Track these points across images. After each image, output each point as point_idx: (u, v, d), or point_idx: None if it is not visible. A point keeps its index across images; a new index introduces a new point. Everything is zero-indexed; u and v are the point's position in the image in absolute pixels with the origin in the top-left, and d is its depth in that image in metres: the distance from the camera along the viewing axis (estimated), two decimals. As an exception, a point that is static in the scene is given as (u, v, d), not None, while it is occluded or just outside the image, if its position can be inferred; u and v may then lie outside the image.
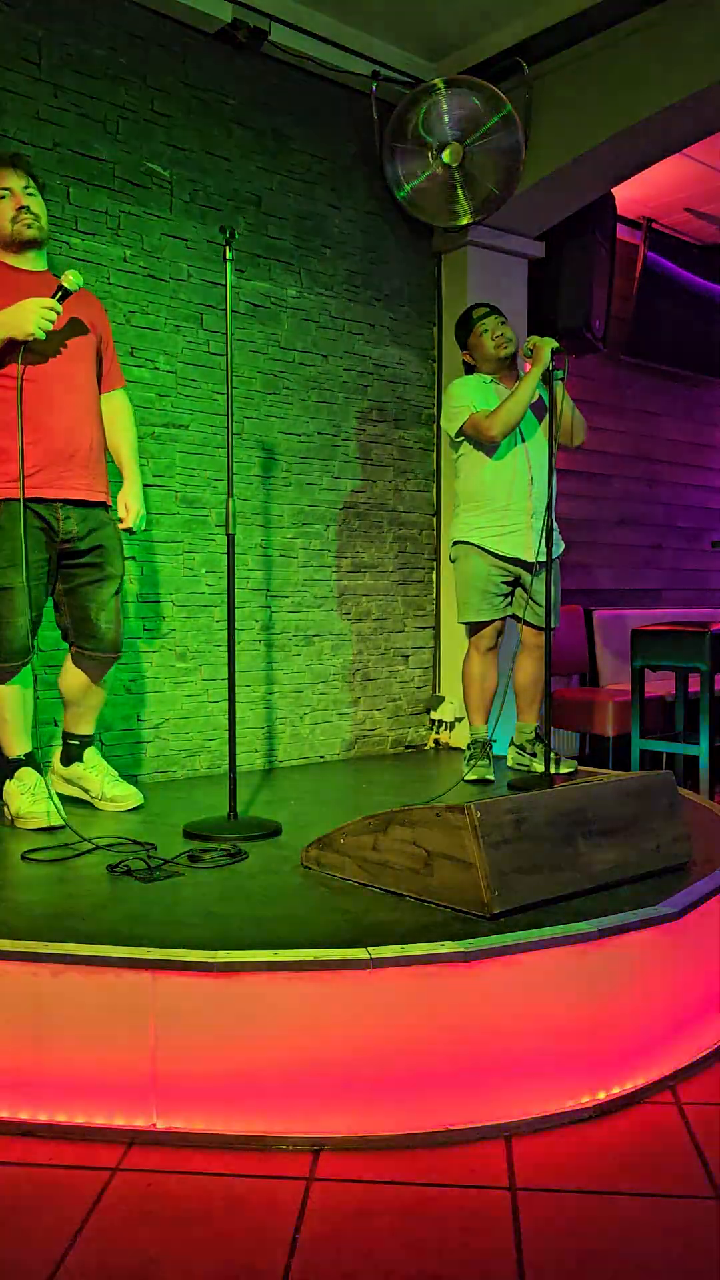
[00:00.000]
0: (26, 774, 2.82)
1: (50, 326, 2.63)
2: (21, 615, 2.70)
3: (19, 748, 2.84)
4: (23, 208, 2.73)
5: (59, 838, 2.63)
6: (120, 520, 2.93)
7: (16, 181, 2.75)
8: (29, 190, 2.77)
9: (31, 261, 2.80)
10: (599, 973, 1.87)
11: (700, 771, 3.92)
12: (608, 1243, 1.46)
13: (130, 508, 2.94)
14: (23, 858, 2.48)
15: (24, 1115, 1.77)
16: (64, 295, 2.67)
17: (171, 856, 2.45)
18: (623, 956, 1.90)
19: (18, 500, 2.65)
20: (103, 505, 2.89)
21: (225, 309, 2.77)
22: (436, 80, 3.83)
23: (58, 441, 2.73)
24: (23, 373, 2.64)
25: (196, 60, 3.61)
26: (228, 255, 2.76)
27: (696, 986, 2.06)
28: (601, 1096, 1.84)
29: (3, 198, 2.73)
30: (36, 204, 2.78)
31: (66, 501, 2.77)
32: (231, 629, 2.82)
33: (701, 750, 3.92)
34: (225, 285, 2.77)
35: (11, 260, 2.78)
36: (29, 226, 2.74)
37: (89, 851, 2.51)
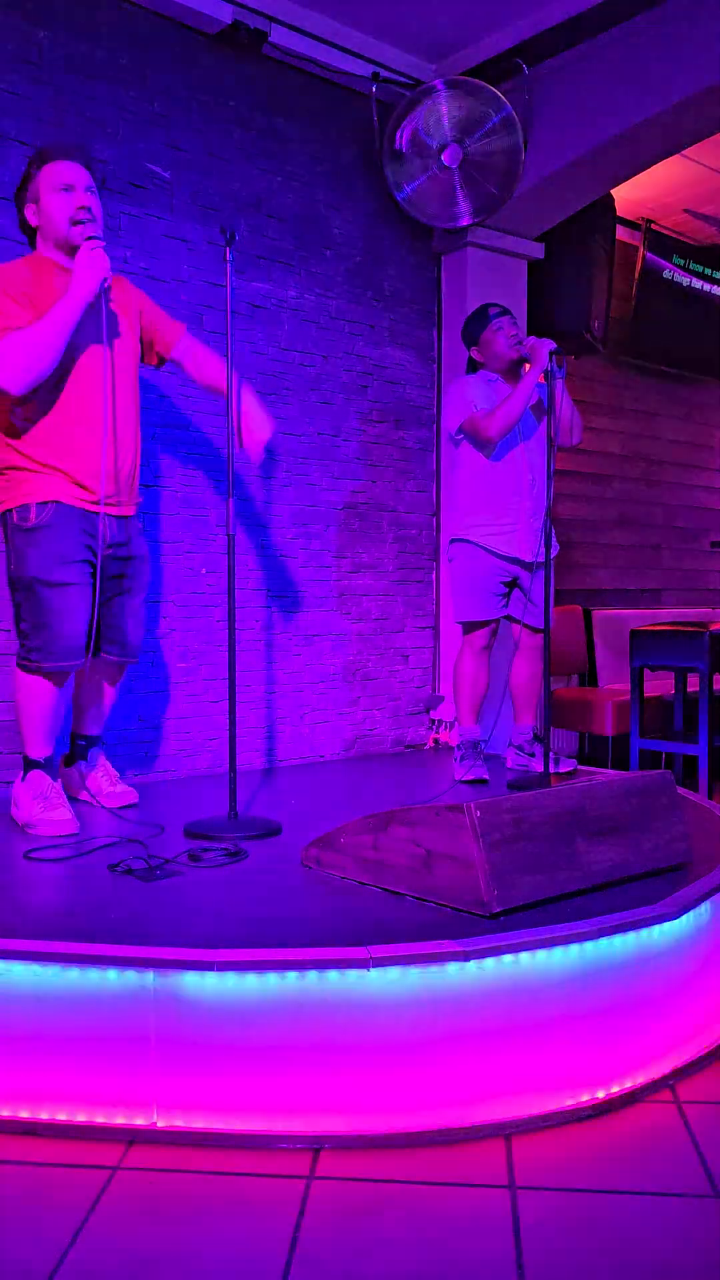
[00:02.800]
0: (39, 779, 2.77)
1: (108, 262, 2.60)
2: (73, 614, 2.68)
3: (41, 749, 2.78)
4: (82, 206, 2.63)
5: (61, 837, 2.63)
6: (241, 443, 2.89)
7: (78, 177, 2.65)
8: (89, 189, 2.68)
9: None
10: (598, 972, 1.87)
11: (700, 771, 3.92)
12: (608, 1242, 1.47)
13: (248, 426, 2.88)
14: (25, 857, 2.48)
15: (24, 1114, 1.77)
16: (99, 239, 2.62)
17: (172, 856, 2.45)
18: (622, 956, 1.90)
19: (71, 506, 2.68)
20: (136, 517, 2.92)
21: (225, 309, 2.77)
22: (436, 81, 3.84)
23: (113, 457, 2.73)
24: (112, 359, 2.65)
25: (196, 61, 3.61)
26: (228, 256, 2.76)
27: (696, 986, 2.06)
28: (601, 1096, 1.84)
29: (64, 192, 2.64)
30: (94, 204, 2.67)
31: (114, 516, 2.79)
32: (231, 629, 2.83)
33: (701, 750, 3.92)
34: (226, 286, 2.77)
35: (64, 263, 2.70)
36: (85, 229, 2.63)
37: (91, 852, 2.51)
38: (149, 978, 1.75)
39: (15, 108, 3.20)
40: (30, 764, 2.79)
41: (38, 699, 2.73)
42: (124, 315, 2.81)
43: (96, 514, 2.72)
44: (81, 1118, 1.76)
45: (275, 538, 3.90)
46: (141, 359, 2.93)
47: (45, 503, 2.66)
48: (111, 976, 1.76)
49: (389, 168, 4.00)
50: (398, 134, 3.92)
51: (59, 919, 2.02)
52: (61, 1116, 1.76)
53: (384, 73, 3.96)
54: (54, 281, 2.65)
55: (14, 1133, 1.75)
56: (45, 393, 2.65)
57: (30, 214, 2.72)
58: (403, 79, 4.02)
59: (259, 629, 3.86)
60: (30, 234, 2.76)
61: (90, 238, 2.60)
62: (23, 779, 2.81)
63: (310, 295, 3.97)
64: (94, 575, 2.76)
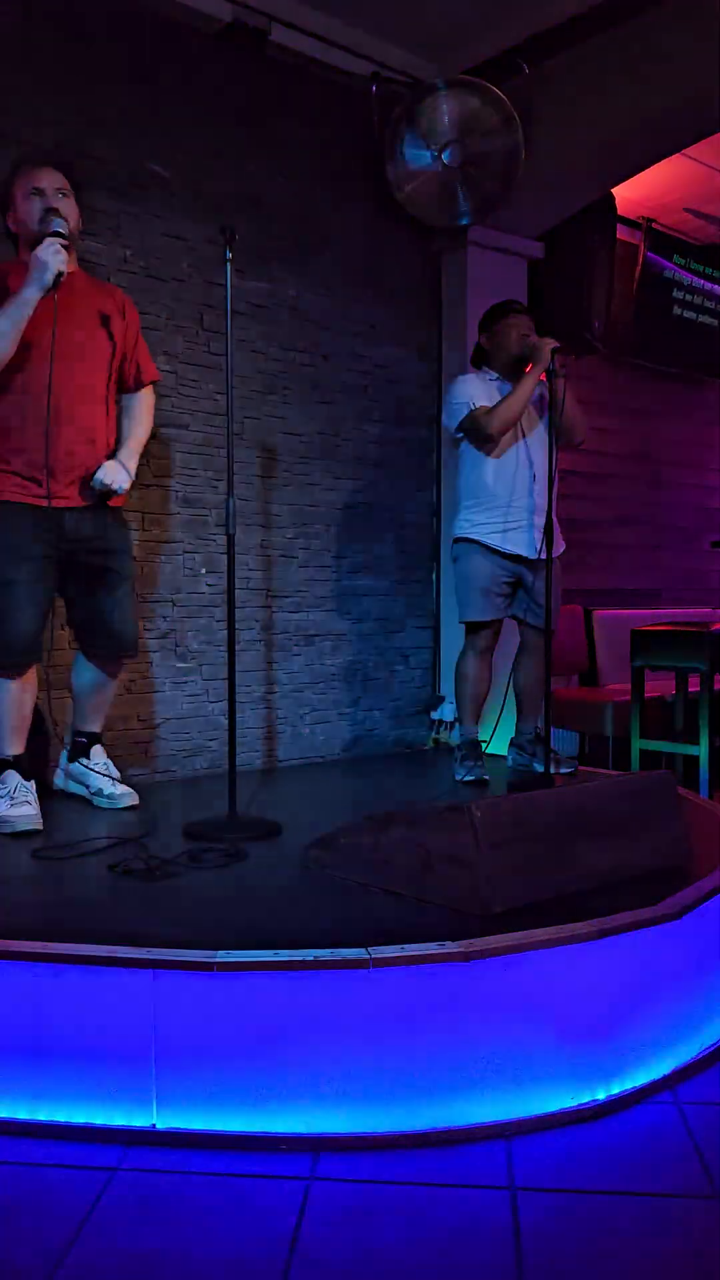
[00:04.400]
0: (10, 777, 2.79)
1: (65, 256, 2.61)
2: (22, 612, 2.70)
3: (8, 747, 2.81)
4: (49, 209, 2.68)
5: (66, 837, 2.63)
6: (104, 487, 2.79)
7: (50, 181, 2.73)
8: (61, 192, 2.74)
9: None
10: (598, 973, 1.87)
11: (700, 771, 3.92)
12: (607, 1243, 1.46)
13: (110, 470, 2.80)
14: (33, 855, 2.48)
15: (24, 1115, 1.77)
16: (65, 241, 2.65)
17: (172, 856, 2.45)
18: (622, 956, 1.90)
19: (19, 502, 2.70)
20: (111, 510, 2.89)
21: (225, 309, 2.77)
22: (436, 80, 3.83)
23: (64, 452, 2.72)
24: (55, 351, 2.62)
25: (196, 60, 3.61)
26: (228, 255, 2.76)
27: (696, 986, 2.06)
28: (601, 1096, 1.84)
29: (34, 196, 2.71)
30: (66, 206, 2.73)
31: (72, 509, 2.78)
32: (231, 629, 2.83)
33: (701, 750, 3.92)
34: (225, 285, 2.77)
35: None
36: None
37: (92, 852, 2.51)
38: (149, 978, 1.75)
39: (15, 108, 3.19)
40: (1, 764, 2.82)
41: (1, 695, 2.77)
42: (101, 316, 2.82)
43: (59, 509, 2.73)
44: (81, 1118, 1.76)
45: (275, 538, 3.90)
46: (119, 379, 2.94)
47: None
48: (111, 978, 1.76)
49: (389, 167, 3.99)
50: (398, 133, 3.92)
51: (59, 919, 2.01)
52: (61, 1117, 1.76)
53: (384, 72, 3.96)
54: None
55: (14, 1133, 1.75)
56: (2, 389, 2.68)
57: (10, 222, 2.79)
58: (403, 78, 4.01)
59: (259, 629, 3.86)
60: (14, 241, 2.83)
61: (53, 233, 2.63)
62: None
63: (310, 295, 3.97)
64: (54, 571, 2.78)
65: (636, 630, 4.19)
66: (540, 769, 3.49)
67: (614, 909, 1.97)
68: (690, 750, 4.03)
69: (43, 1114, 1.77)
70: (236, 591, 2.98)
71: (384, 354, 4.23)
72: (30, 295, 2.60)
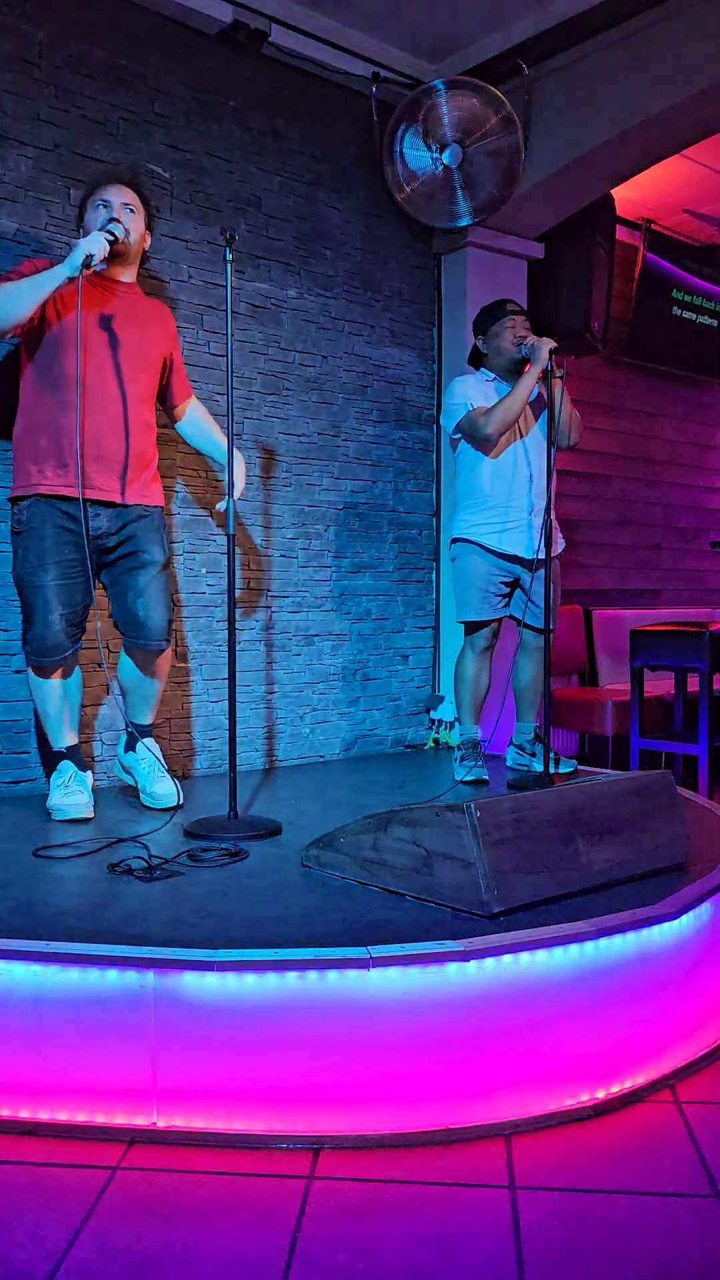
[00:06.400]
0: (64, 767, 2.91)
1: (107, 249, 2.69)
2: (53, 613, 2.79)
3: (59, 740, 2.93)
4: (113, 218, 2.79)
5: (68, 836, 2.64)
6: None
7: (118, 195, 2.87)
8: (128, 206, 2.87)
9: (118, 274, 2.91)
10: (598, 972, 1.87)
11: (700, 771, 3.92)
12: (608, 1242, 1.47)
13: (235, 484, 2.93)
14: (34, 854, 2.48)
15: (24, 1114, 1.77)
16: (112, 237, 2.73)
17: (172, 856, 2.45)
18: (622, 956, 1.90)
19: (44, 499, 2.78)
20: (137, 507, 2.92)
21: (226, 309, 2.77)
22: (436, 81, 3.84)
23: (88, 444, 2.77)
24: (81, 345, 2.72)
25: (196, 61, 3.61)
26: (228, 255, 2.76)
27: (696, 986, 2.06)
28: (601, 1096, 1.84)
29: (101, 207, 2.85)
30: (131, 220, 2.86)
31: (93, 501, 2.81)
32: (232, 629, 2.83)
33: (701, 750, 3.92)
34: (226, 286, 2.77)
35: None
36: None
37: (93, 851, 2.51)
38: (149, 978, 1.75)
39: (15, 108, 3.20)
40: (56, 755, 2.94)
41: (40, 691, 2.90)
42: (148, 325, 2.95)
43: (88, 501, 2.81)
44: (81, 1118, 1.76)
45: (275, 538, 3.90)
46: (160, 397, 3.09)
47: (26, 498, 2.80)
48: (111, 977, 1.76)
49: (389, 168, 4.00)
50: (398, 134, 3.92)
51: (59, 919, 2.01)
52: (61, 1116, 1.76)
53: (384, 73, 3.96)
54: (84, 285, 2.74)
55: (14, 1133, 1.75)
56: (33, 381, 2.80)
57: (81, 234, 2.91)
58: (403, 79, 4.02)
59: (259, 629, 3.86)
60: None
61: (105, 228, 2.73)
62: (54, 769, 2.95)
63: (310, 295, 3.97)
64: (88, 566, 2.81)
65: (636, 630, 4.19)
66: (540, 769, 3.49)
67: (614, 909, 1.97)
68: (690, 750, 4.03)
69: (43, 1113, 1.77)
70: (236, 591, 2.99)
71: (384, 354, 4.23)
72: (56, 270, 2.69)
